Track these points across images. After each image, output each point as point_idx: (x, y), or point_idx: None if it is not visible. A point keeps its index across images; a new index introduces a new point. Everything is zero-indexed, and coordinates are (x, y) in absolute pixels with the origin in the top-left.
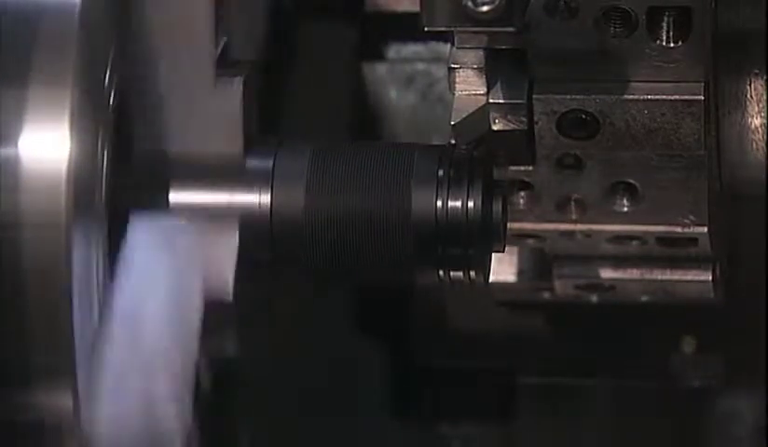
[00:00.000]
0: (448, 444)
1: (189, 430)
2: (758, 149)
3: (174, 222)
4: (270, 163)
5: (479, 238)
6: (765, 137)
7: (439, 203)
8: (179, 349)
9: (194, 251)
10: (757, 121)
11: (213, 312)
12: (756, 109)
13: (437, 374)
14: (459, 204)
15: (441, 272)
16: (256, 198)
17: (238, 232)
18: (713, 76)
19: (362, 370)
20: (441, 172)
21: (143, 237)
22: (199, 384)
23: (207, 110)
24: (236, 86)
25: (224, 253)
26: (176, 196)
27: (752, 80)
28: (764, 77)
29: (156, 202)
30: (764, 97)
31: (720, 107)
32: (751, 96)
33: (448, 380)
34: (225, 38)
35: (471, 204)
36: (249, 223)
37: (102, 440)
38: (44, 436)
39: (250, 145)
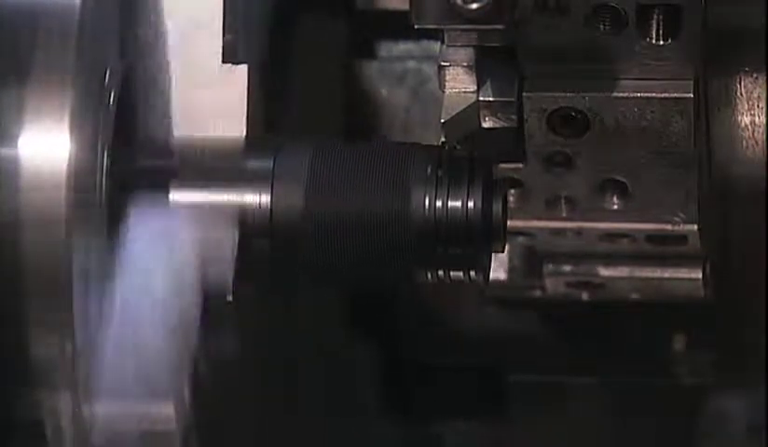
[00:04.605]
0: (440, 442)
1: (188, 428)
2: (747, 146)
3: (174, 219)
4: (270, 163)
5: (479, 238)
6: (754, 134)
7: (439, 203)
8: (177, 346)
9: (193, 249)
10: (747, 119)
11: (212, 310)
12: (746, 107)
13: (429, 372)
14: (459, 204)
15: (441, 272)
16: (256, 198)
17: (237, 229)
18: (703, 74)
19: (353, 368)
20: (441, 172)
21: (142, 234)
22: (198, 381)
23: (211, 97)
24: (241, 74)
25: (223, 251)
26: (176, 194)
27: (742, 78)
28: (754, 75)
29: (156, 200)
30: (754, 94)
31: (709, 105)
32: (741, 93)
33: (440, 378)
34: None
35: (471, 204)
36: (249, 223)
37: (101, 439)
38: (44, 436)
39: (252, 140)
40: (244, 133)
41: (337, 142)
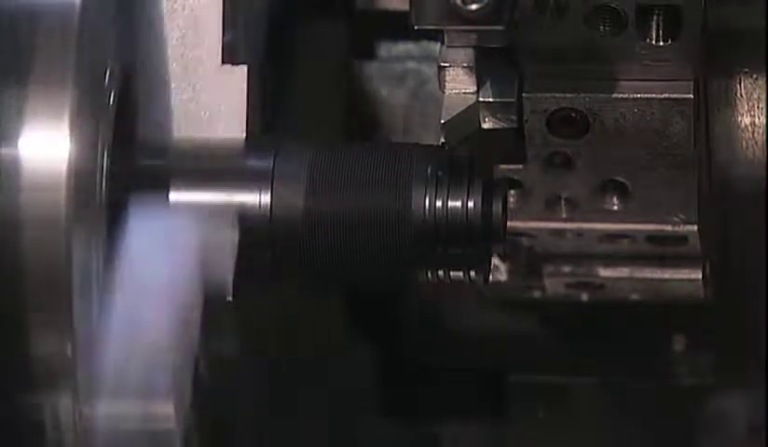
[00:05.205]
0: (440, 442)
1: (188, 428)
2: (747, 147)
3: (174, 219)
4: (270, 163)
5: (479, 238)
6: (755, 135)
7: (439, 203)
8: (178, 347)
9: (194, 249)
10: (747, 119)
11: (212, 310)
12: (746, 107)
13: (429, 372)
14: (459, 204)
15: (441, 272)
16: (256, 198)
17: (237, 229)
18: (702, 75)
19: (354, 368)
20: (441, 172)
21: (142, 234)
22: (198, 381)
23: (211, 97)
24: (240, 74)
25: (223, 251)
26: (176, 194)
27: (742, 78)
28: (754, 76)
29: (156, 200)
30: (754, 95)
31: (709, 105)
32: (741, 94)
33: (440, 378)
34: (231, 32)
35: (471, 204)
36: (249, 223)
37: (101, 439)
38: (44, 436)
39: (252, 140)
40: (244, 134)
41: (337, 143)
